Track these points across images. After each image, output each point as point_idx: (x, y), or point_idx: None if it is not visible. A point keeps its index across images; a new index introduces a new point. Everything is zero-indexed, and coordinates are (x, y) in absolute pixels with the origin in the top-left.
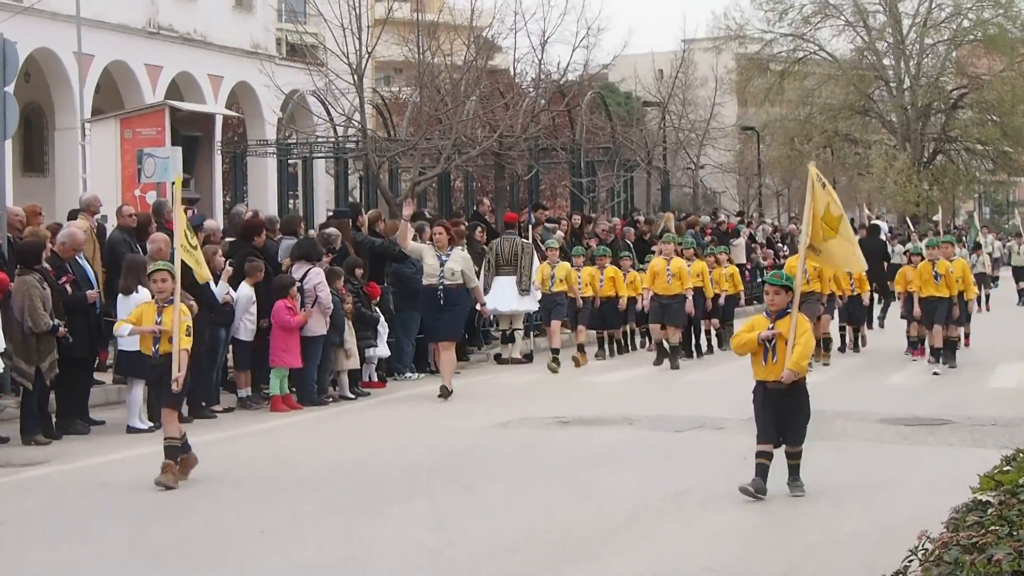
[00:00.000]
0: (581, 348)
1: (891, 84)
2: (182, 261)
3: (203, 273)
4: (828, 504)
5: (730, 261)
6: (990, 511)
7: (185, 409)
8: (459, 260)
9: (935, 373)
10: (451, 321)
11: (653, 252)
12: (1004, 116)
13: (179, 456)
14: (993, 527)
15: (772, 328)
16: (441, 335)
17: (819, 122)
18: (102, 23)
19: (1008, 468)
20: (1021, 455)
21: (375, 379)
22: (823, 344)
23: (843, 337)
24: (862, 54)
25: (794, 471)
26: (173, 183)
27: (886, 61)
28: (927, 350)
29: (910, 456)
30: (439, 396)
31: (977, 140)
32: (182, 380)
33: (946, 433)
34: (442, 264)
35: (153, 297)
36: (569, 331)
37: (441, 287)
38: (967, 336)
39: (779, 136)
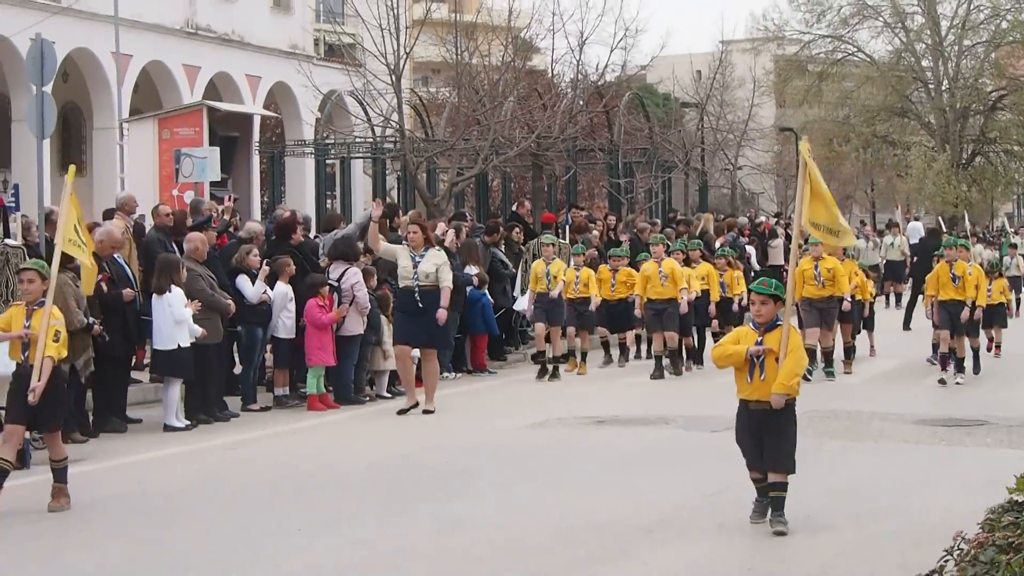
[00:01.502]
0: (572, 353)
1: (930, 86)
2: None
3: (87, 276)
4: (863, 504)
5: (733, 264)
6: None
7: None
8: (434, 261)
9: (957, 383)
10: (434, 328)
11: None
12: None
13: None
14: None
15: (761, 342)
16: (425, 343)
17: (857, 123)
18: (140, 23)
19: None
20: None
21: None
22: (846, 353)
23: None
24: (900, 56)
25: (778, 504)
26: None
27: (924, 63)
28: (944, 360)
29: (946, 457)
30: (422, 411)
31: (1016, 142)
32: (39, 391)
33: (982, 434)
34: (415, 265)
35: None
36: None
37: (417, 289)
38: (998, 346)
39: (817, 137)
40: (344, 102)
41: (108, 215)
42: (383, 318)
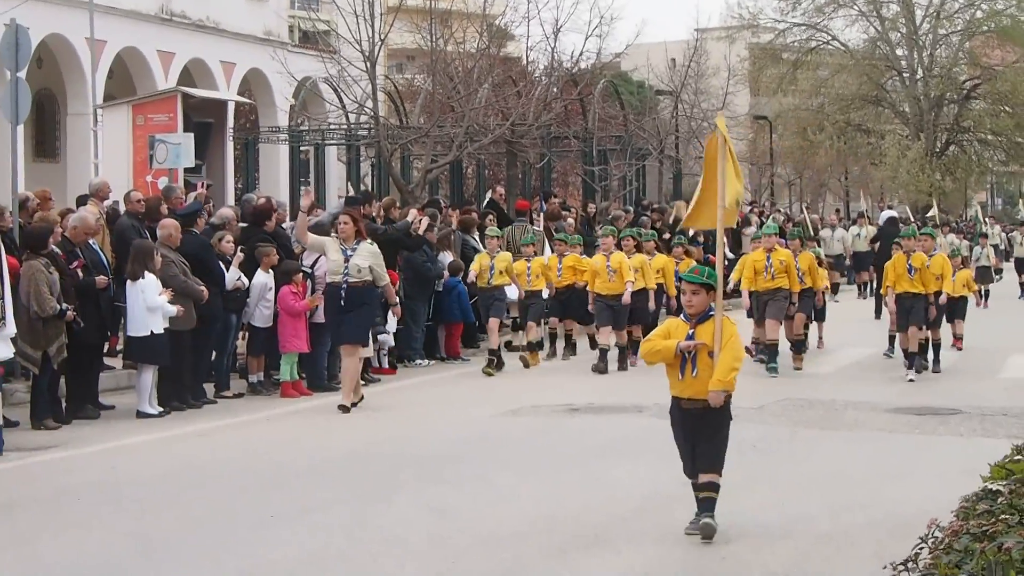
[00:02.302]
0: (531, 347)
1: (904, 74)
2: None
3: None
4: (839, 493)
5: (690, 254)
6: (1000, 500)
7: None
8: (366, 255)
9: (910, 380)
10: (356, 322)
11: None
12: (1017, 107)
13: None
14: (1003, 516)
15: (692, 335)
16: (343, 337)
17: (832, 112)
18: (115, 9)
19: (1019, 457)
20: None
21: (385, 365)
22: (796, 346)
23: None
24: (875, 44)
25: (707, 505)
26: None
27: (899, 51)
28: (910, 358)
29: (921, 446)
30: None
31: (990, 131)
32: None
33: (957, 423)
34: (347, 259)
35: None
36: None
37: (344, 285)
38: (959, 338)
39: (792, 126)
40: (319, 89)
41: (81, 201)
42: None
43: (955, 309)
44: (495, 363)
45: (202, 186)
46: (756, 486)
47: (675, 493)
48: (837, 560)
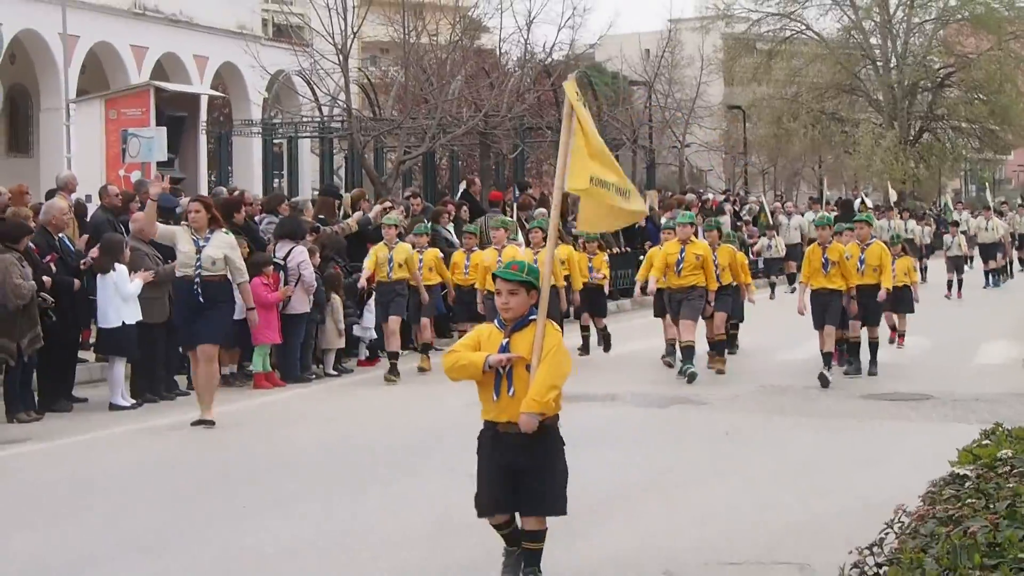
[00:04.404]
0: (425, 349)
1: (878, 63)
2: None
3: None
4: (811, 481)
5: (603, 247)
6: (967, 484)
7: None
8: (222, 246)
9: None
10: (213, 322)
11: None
12: (991, 95)
13: None
14: (969, 500)
15: (507, 346)
16: (199, 338)
17: (806, 101)
18: (88, 4)
19: (987, 442)
20: (1000, 429)
21: (364, 356)
22: (716, 347)
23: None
24: (849, 33)
25: (533, 559)
26: None
27: (873, 40)
28: (827, 357)
29: (893, 432)
30: (197, 424)
31: (964, 118)
32: None
33: (929, 409)
34: (199, 251)
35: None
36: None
37: (198, 279)
38: (901, 336)
39: (766, 115)
40: (292, 82)
41: (50, 195)
42: (335, 296)
43: (898, 301)
44: (395, 369)
45: (163, 179)
46: (729, 474)
47: (646, 482)
48: (807, 547)
